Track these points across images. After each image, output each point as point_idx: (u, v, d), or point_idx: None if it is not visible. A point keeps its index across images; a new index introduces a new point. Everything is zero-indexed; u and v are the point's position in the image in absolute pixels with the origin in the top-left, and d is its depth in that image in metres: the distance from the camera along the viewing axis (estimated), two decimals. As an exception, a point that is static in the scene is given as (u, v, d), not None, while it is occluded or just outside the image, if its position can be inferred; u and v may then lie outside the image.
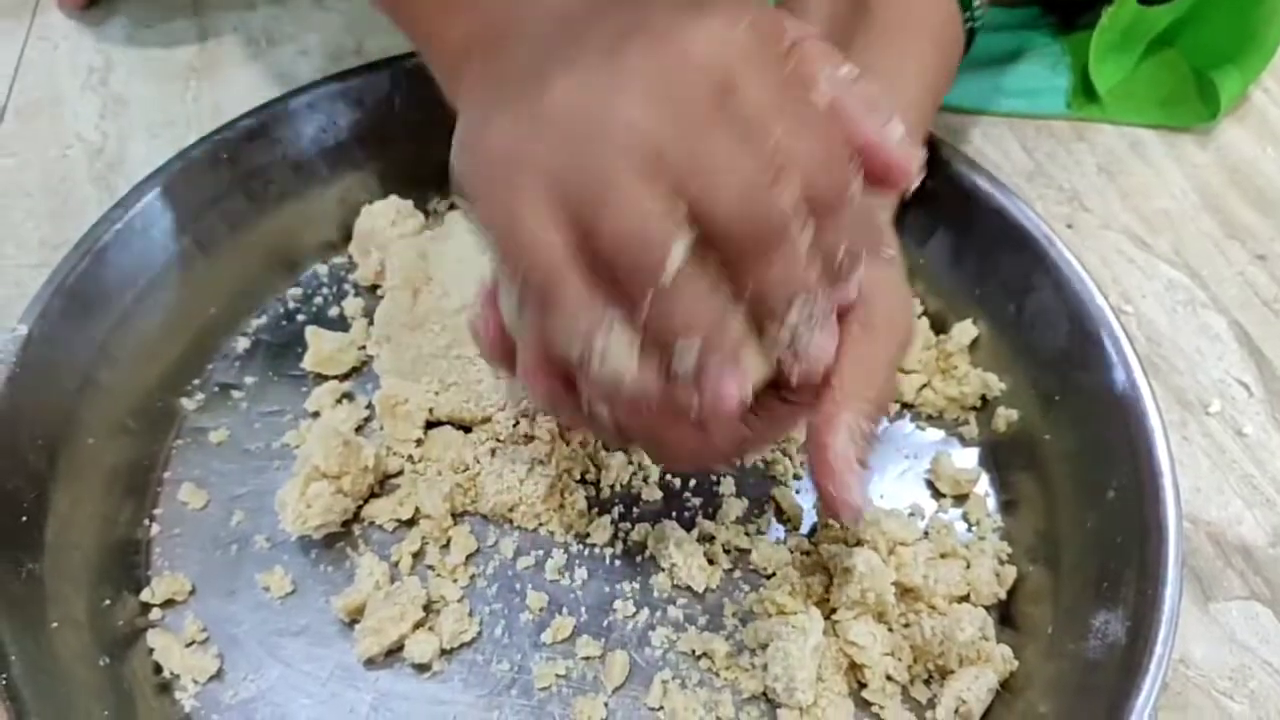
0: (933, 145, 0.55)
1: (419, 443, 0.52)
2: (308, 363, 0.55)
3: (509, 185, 0.33)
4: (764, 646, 0.47)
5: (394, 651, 0.47)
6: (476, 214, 0.35)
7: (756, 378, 0.36)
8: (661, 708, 0.46)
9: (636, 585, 0.50)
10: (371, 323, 0.55)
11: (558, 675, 0.47)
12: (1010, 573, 0.50)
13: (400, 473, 0.52)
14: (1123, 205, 0.64)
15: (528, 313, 0.36)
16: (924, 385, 0.55)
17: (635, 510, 0.52)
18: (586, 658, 0.48)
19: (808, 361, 0.36)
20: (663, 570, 0.50)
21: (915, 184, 0.36)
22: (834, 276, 0.35)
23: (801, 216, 0.33)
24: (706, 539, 0.50)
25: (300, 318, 0.57)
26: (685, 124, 0.32)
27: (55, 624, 0.44)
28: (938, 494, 0.53)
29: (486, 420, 0.52)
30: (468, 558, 0.50)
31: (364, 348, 0.56)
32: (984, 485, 0.53)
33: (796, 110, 0.33)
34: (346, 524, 0.50)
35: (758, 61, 0.33)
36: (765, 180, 0.32)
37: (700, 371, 0.34)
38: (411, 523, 0.51)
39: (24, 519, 0.46)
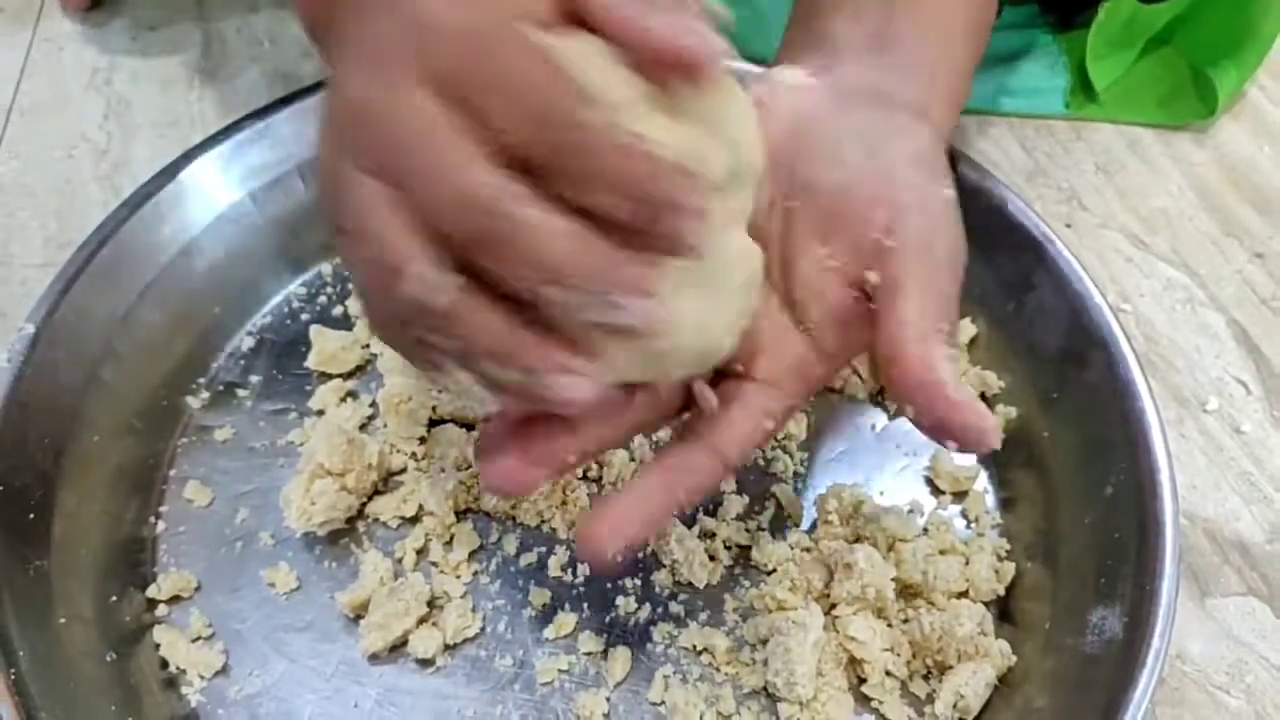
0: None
1: (422, 440, 0.53)
2: (312, 361, 0.55)
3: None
4: (764, 642, 0.47)
5: (398, 647, 0.48)
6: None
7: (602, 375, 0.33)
8: (663, 702, 0.47)
9: (638, 581, 0.50)
10: (375, 322, 0.56)
11: (560, 670, 0.48)
12: (1009, 569, 0.50)
13: (404, 470, 0.52)
14: (1121, 204, 0.65)
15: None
16: (923, 383, 0.55)
17: (637, 507, 0.52)
18: (589, 653, 0.48)
19: (642, 331, 0.32)
20: (664, 566, 0.50)
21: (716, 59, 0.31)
22: (632, 232, 0.30)
23: (533, 188, 0.29)
24: (707, 535, 0.51)
25: (304, 317, 0.57)
26: (394, 142, 0.30)
27: (63, 620, 0.45)
28: (937, 491, 0.53)
29: (489, 419, 0.53)
30: (471, 554, 0.50)
31: (368, 346, 0.56)
32: (983, 482, 0.53)
33: (494, 66, 0.30)
34: (351, 521, 0.51)
35: (451, 33, 0.30)
36: (462, 172, 0.29)
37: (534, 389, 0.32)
38: (415, 520, 0.51)
39: (31, 516, 0.46)
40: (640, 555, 0.51)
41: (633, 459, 0.53)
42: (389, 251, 0.30)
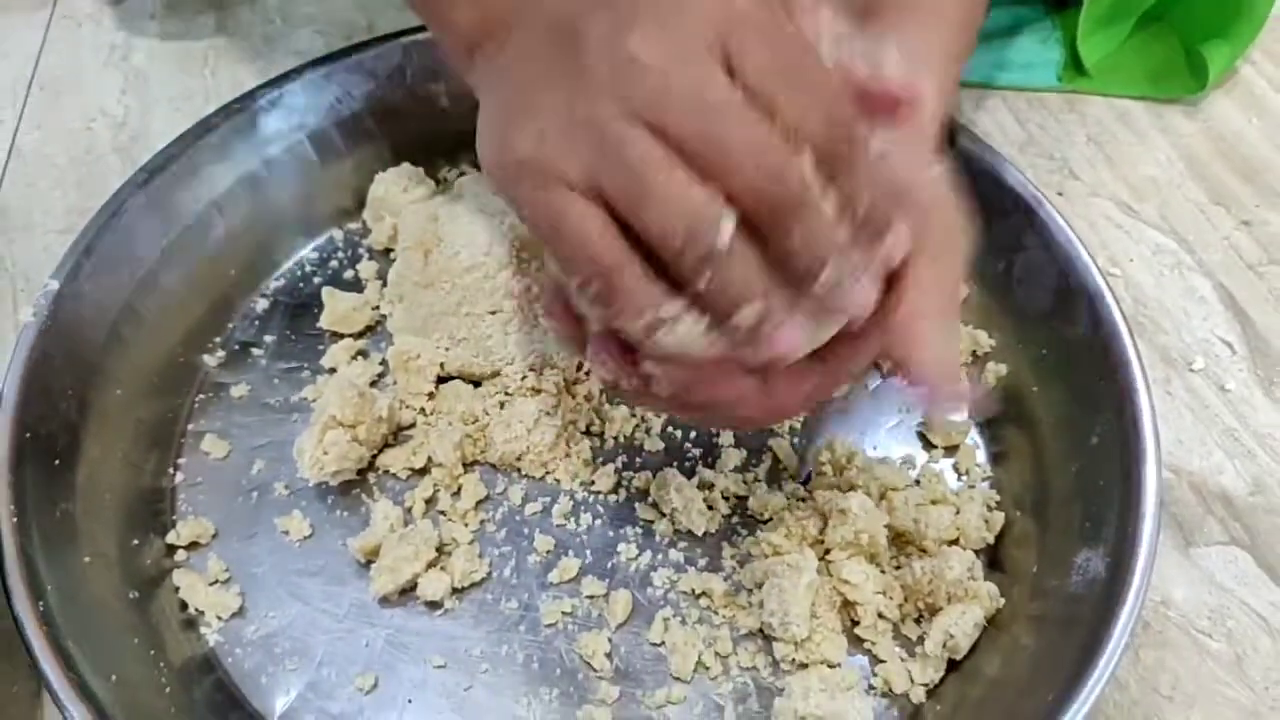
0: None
1: (430, 396, 0.55)
2: (324, 321, 0.57)
3: (548, 189, 0.35)
4: (760, 585, 0.49)
5: (407, 590, 0.50)
6: (521, 215, 0.37)
7: (809, 334, 0.37)
8: (662, 643, 0.49)
9: (639, 529, 0.52)
10: (385, 284, 0.58)
11: (564, 613, 0.49)
12: (998, 519, 0.52)
13: (413, 424, 0.54)
14: (1111, 173, 0.66)
15: (590, 305, 0.37)
16: (916, 342, 0.57)
17: (638, 459, 0.54)
18: (591, 596, 0.50)
19: (850, 314, 0.37)
20: (664, 515, 0.52)
21: (927, 106, 0.37)
22: (866, 232, 0.36)
23: (820, 180, 0.34)
24: (706, 486, 0.53)
25: (317, 280, 0.59)
26: (698, 107, 0.33)
27: (87, 559, 0.47)
28: (929, 446, 0.55)
29: (496, 374, 0.55)
30: (478, 504, 0.52)
31: (377, 307, 0.58)
32: (974, 437, 0.55)
33: (800, 71, 0.34)
34: (362, 472, 0.53)
35: (757, 24, 0.34)
36: (779, 153, 0.33)
37: (758, 332, 0.35)
38: (424, 471, 0.53)
39: (57, 462, 0.48)
40: (640, 504, 0.52)
41: (634, 414, 0.54)
42: (696, 207, 0.33)
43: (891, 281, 0.39)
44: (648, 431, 0.54)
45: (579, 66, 0.35)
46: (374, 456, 0.53)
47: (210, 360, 0.56)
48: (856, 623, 0.49)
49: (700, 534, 0.51)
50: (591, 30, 0.35)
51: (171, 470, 0.53)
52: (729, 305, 0.35)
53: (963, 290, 0.56)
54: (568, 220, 0.35)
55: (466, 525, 0.51)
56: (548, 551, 0.51)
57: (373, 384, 0.55)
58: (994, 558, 0.52)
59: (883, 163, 0.36)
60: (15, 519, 0.45)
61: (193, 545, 0.51)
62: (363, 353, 0.57)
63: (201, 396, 0.55)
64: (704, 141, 0.33)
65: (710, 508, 0.52)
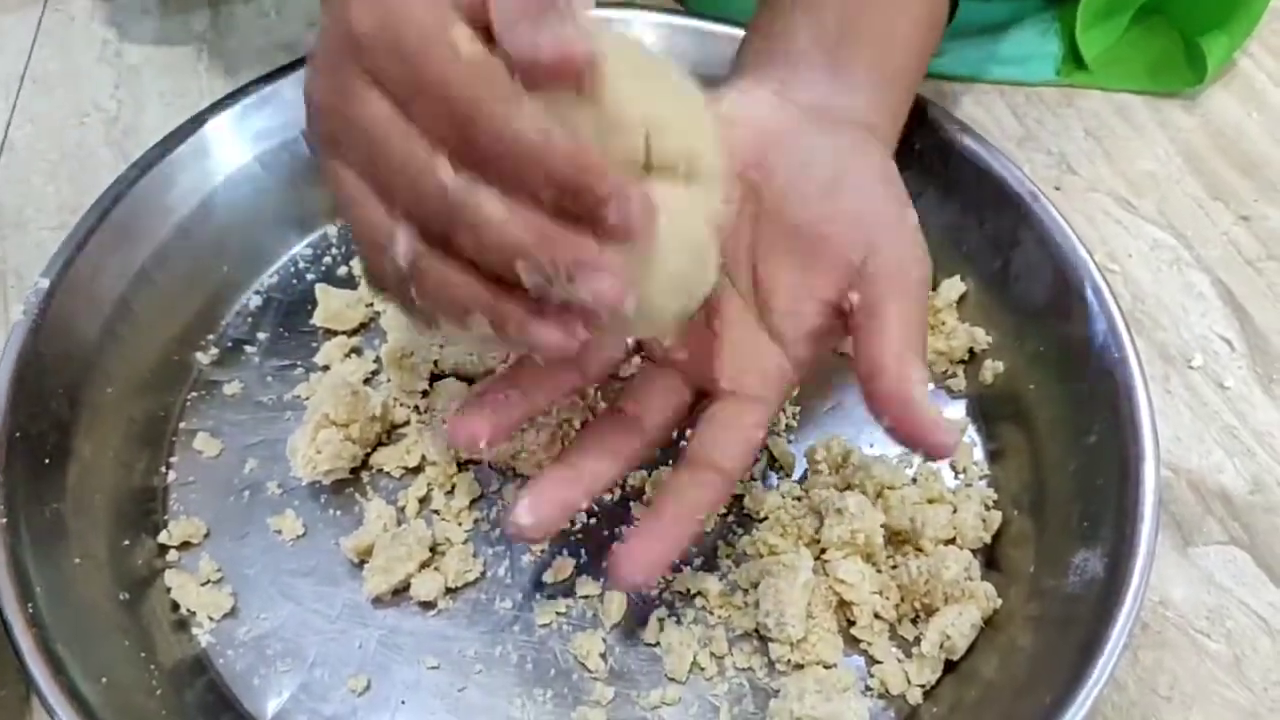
0: (923, 109, 0.56)
1: (424, 394, 0.54)
2: (318, 319, 0.57)
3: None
4: (756, 585, 0.49)
5: (401, 590, 0.49)
6: None
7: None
8: (657, 643, 0.48)
9: (634, 529, 0.51)
10: (379, 281, 0.57)
11: (558, 613, 0.49)
12: (995, 518, 0.51)
13: (406, 423, 0.54)
14: (1109, 168, 0.66)
15: None
16: (914, 340, 0.57)
17: (633, 458, 0.53)
18: (585, 596, 0.50)
19: (587, 310, 0.34)
20: (659, 515, 0.51)
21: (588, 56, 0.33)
22: (569, 218, 0.33)
23: (470, 183, 0.33)
24: (701, 485, 0.52)
25: (310, 276, 0.59)
26: (354, 136, 0.34)
27: (77, 560, 0.46)
28: (926, 444, 0.55)
29: (489, 372, 0.54)
30: (472, 503, 0.52)
31: (371, 304, 0.57)
32: (971, 435, 0.55)
33: (424, 59, 0.33)
34: (355, 471, 0.52)
35: (379, 43, 0.33)
36: (417, 157, 0.33)
37: (509, 335, 0.35)
38: (418, 470, 0.53)
39: (47, 461, 0.48)
40: (636, 503, 0.52)
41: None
42: (376, 230, 0.35)
43: (856, 327, 0.41)
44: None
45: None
46: (367, 455, 0.53)
47: (203, 358, 0.56)
48: (853, 623, 0.49)
49: (695, 533, 0.51)
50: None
51: (163, 469, 0.53)
52: (440, 312, 0.36)
53: (959, 286, 0.57)
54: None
55: (460, 525, 0.51)
56: (542, 551, 0.51)
57: (366, 382, 0.55)
58: (991, 557, 0.51)
59: (548, 143, 0.32)
60: (4, 519, 0.44)
61: (184, 545, 0.50)
62: (356, 350, 0.57)
63: (193, 394, 0.55)
64: (366, 166, 0.34)
65: (706, 507, 0.52)
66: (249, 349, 0.57)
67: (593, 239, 0.33)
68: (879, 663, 0.48)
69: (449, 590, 0.49)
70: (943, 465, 0.54)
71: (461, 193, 0.33)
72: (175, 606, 0.49)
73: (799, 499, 0.52)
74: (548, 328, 0.34)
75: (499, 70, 0.32)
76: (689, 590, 0.50)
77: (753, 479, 0.53)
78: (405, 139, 0.33)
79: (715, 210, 0.39)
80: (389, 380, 0.54)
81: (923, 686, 0.47)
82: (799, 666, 0.48)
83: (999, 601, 0.48)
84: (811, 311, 0.45)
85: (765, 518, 0.51)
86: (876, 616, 0.49)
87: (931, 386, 0.56)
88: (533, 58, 0.32)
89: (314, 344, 0.57)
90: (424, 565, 0.49)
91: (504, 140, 0.32)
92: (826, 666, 0.47)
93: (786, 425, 0.54)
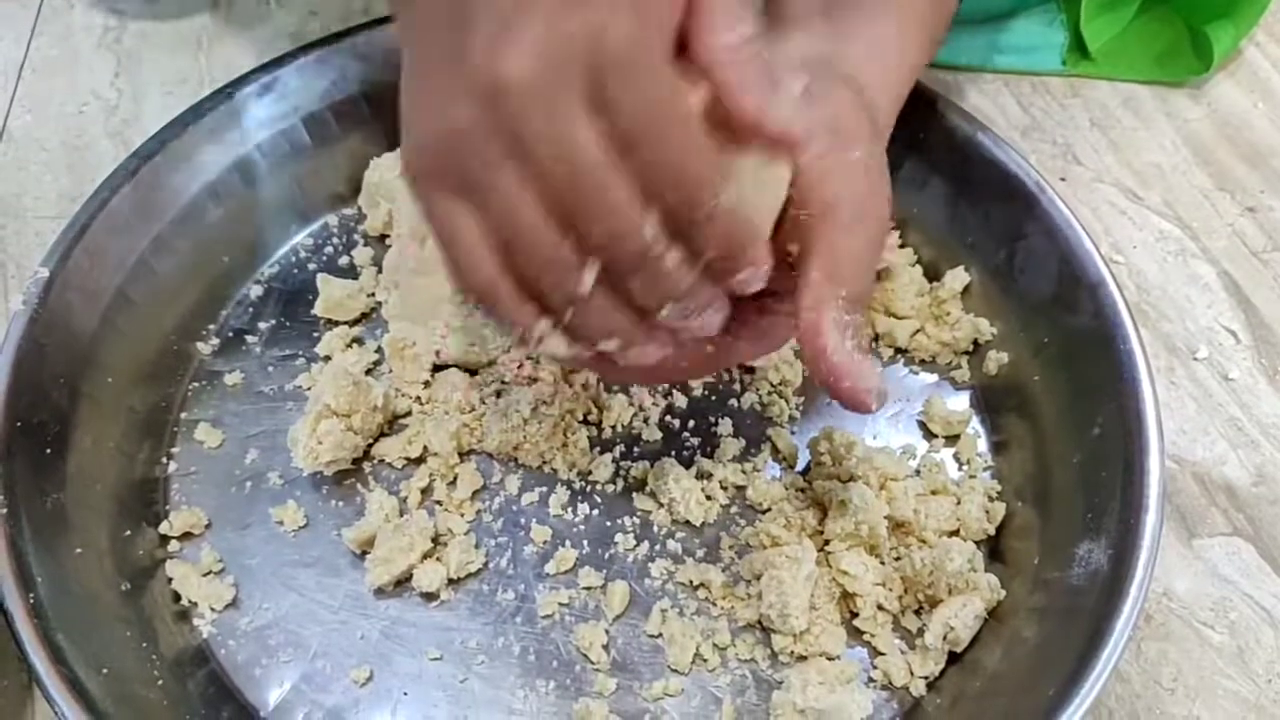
0: (928, 99, 0.56)
1: (426, 385, 0.54)
2: (319, 309, 0.56)
3: (433, 198, 0.36)
4: (759, 577, 0.49)
5: (403, 581, 0.49)
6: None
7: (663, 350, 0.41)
8: (660, 635, 0.48)
9: (637, 520, 0.51)
10: (380, 271, 0.57)
11: (560, 604, 0.49)
12: (999, 509, 0.51)
13: (409, 413, 0.54)
14: (1115, 159, 0.65)
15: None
16: (917, 331, 0.56)
17: (636, 449, 0.53)
18: (588, 588, 0.49)
19: (691, 336, 0.40)
20: (662, 506, 0.51)
21: (798, 143, 0.37)
22: (712, 274, 0.38)
23: (664, 238, 0.36)
24: (704, 476, 0.52)
25: (311, 266, 0.59)
26: (560, 161, 0.34)
27: (78, 551, 0.46)
28: (930, 435, 0.55)
29: (492, 363, 0.54)
30: (474, 494, 0.52)
31: (373, 294, 0.57)
32: (975, 426, 0.55)
33: (659, 129, 0.34)
34: (357, 462, 0.52)
35: (627, 69, 0.33)
36: (627, 218, 0.35)
37: (617, 353, 0.39)
38: (420, 460, 0.52)
39: (48, 451, 0.47)
40: (638, 494, 0.52)
41: (631, 404, 0.54)
42: (557, 253, 0.36)
43: (800, 255, 0.40)
44: (645, 421, 0.54)
45: (461, 60, 0.34)
46: (369, 446, 0.53)
47: (204, 348, 0.56)
48: (856, 615, 0.49)
49: (698, 524, 0.51)
50: (479, 21, 0.34)
51: (164, 460, 0.53)
52: (588, 337, 0.38)
53: (964, 277, 0.56)
54: (448, 228, 0.36)
55: (462, 515, 0.51)
56: (544, 542, 0.51)
57: (368, 372, 0.55)
58: (995, 549, 0.51)
59: (731, 215, 0.36)
60: (5, 509, 0.44)
61: (186, 536, 0.50)
62: (358, 340, 0.57)
63: (195, 385, 0.55)
64: (562, 197, 0.34)
65: (708, 498, 0.51)
66: (250, 339, 0.56)
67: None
68: (882, 654, 0.48)
69: (451, 581, 0.49)
70: (947, 456, 0.54)
71: (659, 246, 0.36)
72: (176, 597, 0.49)
73: (802, 491, 0.52)
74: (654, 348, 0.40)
75: (714, 147, 0.35)
76: (692, 582, 0.50)
77: (756, 471, 0.52)
78: (615, 185, 0.34)
79: None
80: (391, 370, 0.54)
81: (926, 678, 0.47)
82: (802, 658, 0.47)
83: (1002, 593, 0.48)
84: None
85: (768, 509, 0.51)
86: (880, 608, 0.49)
87: (936, 377, 0.56)
88: (760, 125, 0.35)
89: (315, 334, 0.56)
90: (426, 556, 0.49)
91: (712, 212, 0.35)
92: (830, 658, 0.47)
93: (790, 417, 0.54)
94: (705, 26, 0.35)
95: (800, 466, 0.53)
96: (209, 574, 0.49)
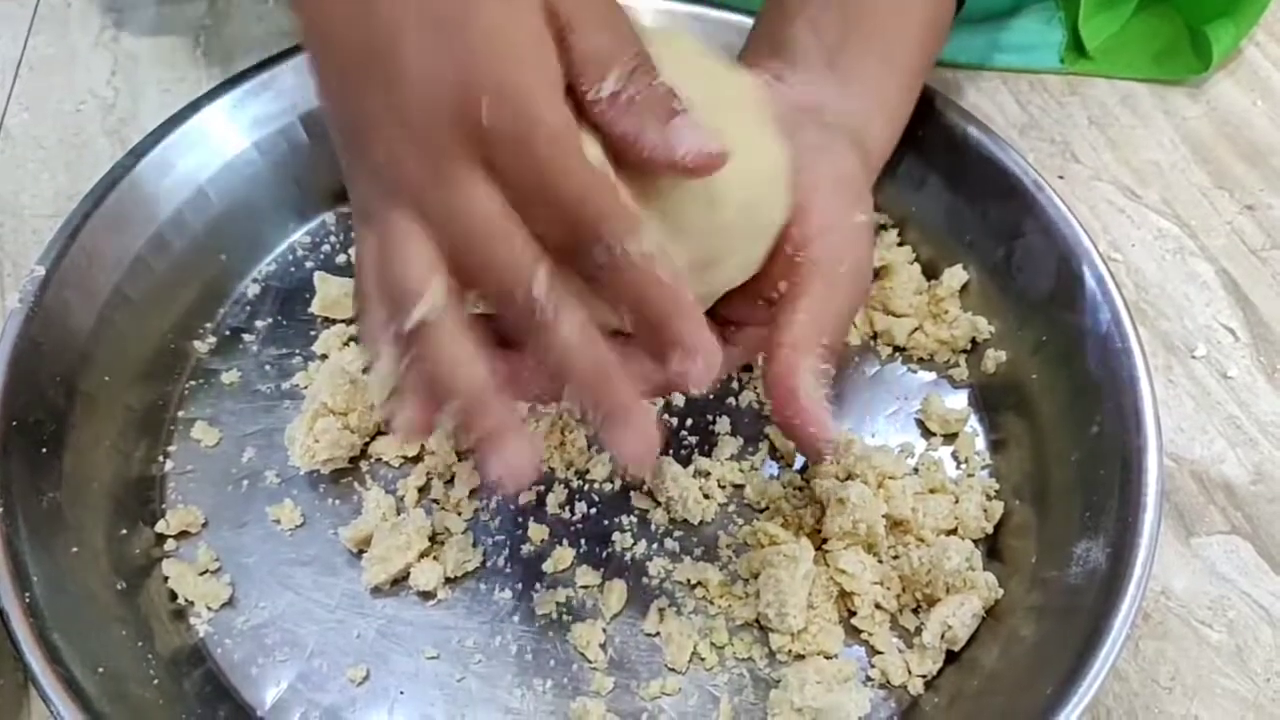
0: (926, 97, 0.56)
1: (424, 383, 0.54)
2: (316, 307, 0.56)
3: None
4: (756, 576, 0.49)
5: (400, 580, 0.49)
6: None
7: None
8: (658, 633, 0.48)
9: (634, 518, 0.51)
10: (378, 269, 0.57)
11: (558, 603, 0.49)
12: (997, 508, 0.51)
13: (406, 412, 0.53)
14: (1113, 157, 0.65)
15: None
16: (915, 329, 0.56)
17: (633, 448, 0.53)
18: (585, 586, 0.49)
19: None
20: (660, 504, 0.51)
21: (714, 158, 0.36)
22: (645, 331, 0.37)
23: (555, 294, 0.35)
24: (702, 475, 0.52)
25: (309, 264, 0.59)
26: (450, 223, 0.35)
27: (74, 550, 0.46)
28: (928, 433, 0.54)
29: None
30: (471, 492, 0.51)
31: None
32: (973, 425, 0.55)
33: (547, 183, 0.34)
34: (354, 460, 0.52)
35: (507, 138, 0.34)
36: (515, 273, 0.35)
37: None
38: (417, 459, 0.52)
39: (44, 450, 0.47)
40: (636, 493, 0.52)
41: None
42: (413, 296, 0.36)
43: (786, 295, 0.41)
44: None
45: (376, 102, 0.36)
46: (366, 444, 0.52)
47: (200, 346, 0.56)
48: (854, 613, 0.49)
49: (696, 523, 0.51)
50: (368, 89, 0.36)
51: (161, 458, 0.52)
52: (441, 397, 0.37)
53: (962, 275, 0.56)
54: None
55: (460, 514, 0.51)
56: (542, 541, 0.50)
57: (365, 370, 0.55)
58: (993, 548, 0.51)
59: (645, 265, 0.36)
60: (1, 508, 0.44)
61: (182, 534, 0.50)
62: (355, 339, 0.56)
63: (191, 383, 0.55)
64: (454, 246, 0.35)
65: (706, 496, 0.51)
66: (247, 337, 0.56)
67: (634, 394, 0.37)
68: (880, 653, 0.48)
69: (448, 580, 0.49)
70: (945, 455, 0.54)
71: (549, 309, 0.35)
72: (173, 596, 0.49)
73: (800, 489, 0.52)
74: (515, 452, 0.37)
75: (620, 188, 0.35)
76: (689, 580, 0.49)
77: (754, 469, 0.52)
78: (508, 239, 0.35)
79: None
80: (387, 369, 0.54)
81: (924, 677, 0.47)
82: (800, 657, 0.47)
83: (1000, 592, 0.48)
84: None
85: (766, 508, 0.51)
86: (877, 607, 0.49)
87: (934, 376, 0.56)
88: (670, 160, 0.35)
89: (312, 332, 0.56)
90: (423, 555, 0.49)
91: (616, 261, 0.35)
92: (827, 657, 0.47)
93: (787, 415, 0.54)
94: (580, 78, 0.35)
95: (798, 465, 0.53)
96: (205, 573, 0.49)
